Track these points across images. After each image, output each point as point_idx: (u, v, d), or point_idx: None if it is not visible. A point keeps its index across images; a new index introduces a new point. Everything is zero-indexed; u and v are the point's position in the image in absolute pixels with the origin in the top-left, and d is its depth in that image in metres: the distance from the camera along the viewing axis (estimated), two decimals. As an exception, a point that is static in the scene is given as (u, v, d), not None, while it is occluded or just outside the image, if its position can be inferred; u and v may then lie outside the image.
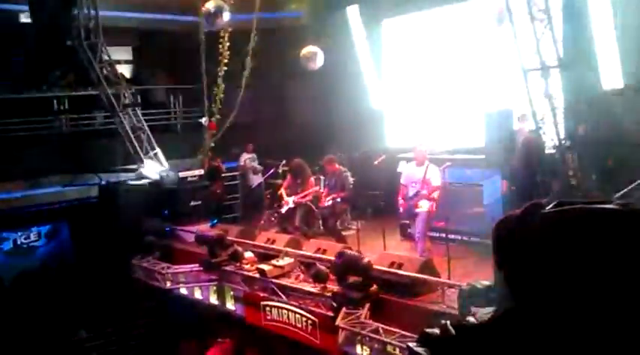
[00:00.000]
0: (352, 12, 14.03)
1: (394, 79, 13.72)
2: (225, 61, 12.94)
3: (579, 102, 7.81)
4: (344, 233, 10.91)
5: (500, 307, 1.44)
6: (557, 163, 7.99)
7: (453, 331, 1.44)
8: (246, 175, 13.57)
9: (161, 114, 14.74)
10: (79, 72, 12.61)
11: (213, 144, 13.37)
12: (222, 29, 12.64)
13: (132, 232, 11.31)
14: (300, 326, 8.01)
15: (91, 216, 12.05)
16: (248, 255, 9.32)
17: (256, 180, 13.34)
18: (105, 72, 12.30)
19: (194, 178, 12.52)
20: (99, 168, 12.62)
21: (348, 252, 7.68)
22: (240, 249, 9.36)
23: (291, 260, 8.69)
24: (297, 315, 8.05)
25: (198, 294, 9.91)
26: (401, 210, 9.31)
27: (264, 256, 9.24)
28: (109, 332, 11.61)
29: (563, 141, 7.95)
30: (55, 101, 13.34)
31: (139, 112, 12.70)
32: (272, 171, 12.96)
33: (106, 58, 12.33)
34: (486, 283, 4.37)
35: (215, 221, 11.77)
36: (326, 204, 10.58)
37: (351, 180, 11.02)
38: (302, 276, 8.39)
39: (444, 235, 8.50)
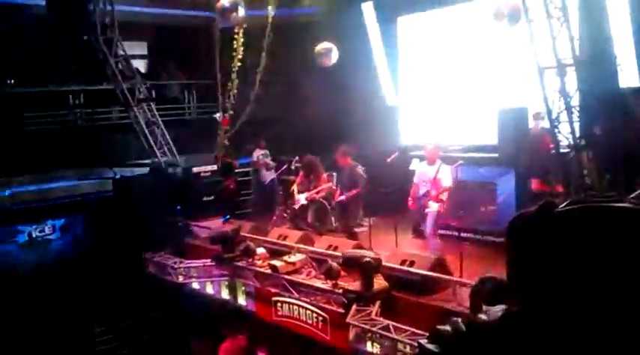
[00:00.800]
0: (367, 8, 13.99)
1: (409, 76, 13.68)
2: (240, 56, 12.94)
3: (595, 100, 7.73)
4: (356, 229, 10.90)
5: (512, 305, 1.43)
6: (570, 162, 7.93)
7: (464, 328, 1.44)
8: (258, 171, 13.60)
9: (175, 109, 14.81)
10: (95, 66, 12.69)
11: (227, 141, 13.40)
12: (237, 25, 12.65)
13: (145, 226, 11.39)
14: (310, 322, 8.03)
15: (105, 210, 12.15)
16: (260, 250, 9.36)
17: (269, 176, 13.35)
18: (120, 67, 12.37)
19: (207, 174, 12.58)
20: (113, 163, 12.71)
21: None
22: (252, 244, 9.40)
23: (303, 256, 8.71)
24: (308, 311, 8.07)
25: (210, 289, 9.97)
26: (410, 207, 9.29)
27: (276, 252, 9.27)
28: (122, 325, 11.70)
29: (578, 140, 7.89)
30: (70, 95, 13.44)
31: (153, 107, 12.77)
32: (285, 167, 12.97)
33: (121, 52, 12.39)
34: (497, 279, 4.35)
35: (227, 217, 11.81)
36: (338, 200, 10.56)
37: (364, 174, 10.84)
38: (313, 273, 8.40)
39: (456, 233, 8.47)
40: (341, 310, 7.45)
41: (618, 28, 8.81)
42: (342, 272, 7.72)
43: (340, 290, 7.55)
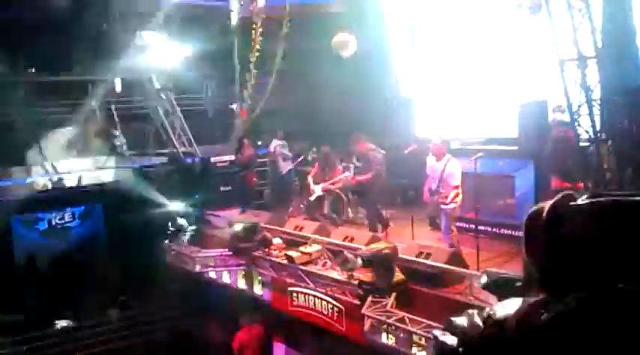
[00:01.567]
0: (386, -2, 13.88)
1: (426, 67, 13.57)
2: (258, 47, 12.94)
3: (617, 94, 7.61)
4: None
5: (529, 298, 1.43)
6: (590, 157, 7.83)
7: (479, 320, 1.44)
8: (276, 162, 13.61)
9: (194, 99, 14.86)
10: (114, 56, 12.79)
11: (244, 132, 13.43)
12: (256, 15, 12.65)
13: (163, 215, 11.50)
14: (326, 313, 8.06)
15: (124, 198, 12.28)
16: (276, 241, 9.40)
17: (286, 166, 13.36)
18: (139, 56, 12.44)
19: (225, 164, 12.63)
20: (132, 151, 12.82)
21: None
22: (269, 235, 9.44)
23: (319, 247, 8.72)
24: (324, 302, 8.09)
25: (226, 278, 10.04)
26: (425, 199, 9.24)
27: (292, 243, 9.30)
28: (139, 313, 11.84)
29: (598, 134, 7.78)
30: (90, 84, 13.55)
31: (172, 97, 12.84)
32: (302, 158, 12.97)
33: (140, 42, 12.46)
34: (510, 274, 4.31)
35: (244, 208, 11.87)
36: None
37: (379, 158, 10.54)
38: (329, 264, 8.42)
39: (473, 226, 8.41)
40: (356, 301, 7.47)
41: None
42: (358, 264, 7.72)
43: (356, 282, 7.56)
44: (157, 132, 12.60)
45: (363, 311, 7.21)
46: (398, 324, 6.82)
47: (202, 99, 15.23)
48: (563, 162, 8.45)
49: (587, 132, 7.84)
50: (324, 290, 8.10)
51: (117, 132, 13.10)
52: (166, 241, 11.23)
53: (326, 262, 8.49)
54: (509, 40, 11.23)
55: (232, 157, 12.56)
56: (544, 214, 1.49)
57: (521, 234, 1.77)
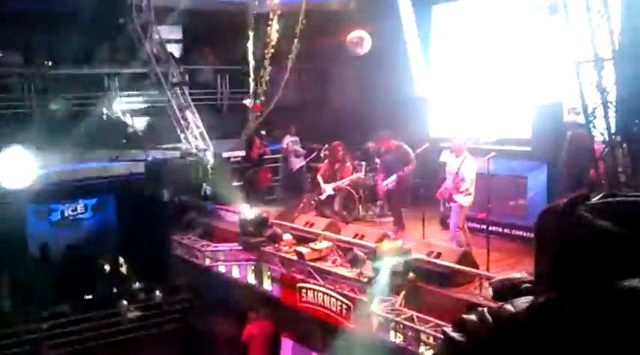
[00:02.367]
0: (402, -4, 13.83)
1: (441, 66, 13.52)
2: (273, 43, 12.96)
3: (633, 96, 7.55)
4: (384, 219, 10.89)
5: (540, 297, 1.42)
6: (605, 158, 7.77)
7: (489, 318, 1.43)
8: (288, 158, 13.64)
9: (208, 94, 14.91)
10: (130, 50, 12.86)
11: (257, 127, 13.45)
12: (271, 10, 12.66)
13: (175, 209, 11.55)
14: (334, 309, 8.07)
15: (136, 191, 12.34)
16: (287, 237, 9.43)
17: (298, 163, 13.39)
18: (155, 50, 12.50)
19: (237, 159, 12.67)
20: (146, 145, 12.87)
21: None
22: (279, 230, 9.47)
23: (329, 244, 8.74)
24: (333, 299, 8.10)
25: (236, 273, 10.08)
26: (437, 195, 9.24)
27: (303, 239, 9.32)
28: (149, 305, 11.90)
29: (613, 136, 7.73)
30: (105, 77, 13.63)
31: (186, 91, 12.89)
32: (314, 154, 12.99)
33: (156, 36, 12.52)
34: (516, 275, 4.28)
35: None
36: (388, 185, 10.20)
37: (411, 151, 10.35)
38: (339, 261, 8.43)
39: (484, 226, 8.39)
40: (365, 298, 7.47)
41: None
42: (368, 261, 7.73)
43: (365, 279, 7.57)
44: (171, 126, 12.65)
45: (372, 308, 7.22)
46: (406, 323, 6.82)
47: (217, 94, 15.27)
48: (577, 164, 8.40)
49: (602, 134, 7.79)
50: (333, 287, 8.11)
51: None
52: (177, 234, 11.28)
53: (336, 259, 8.50)
54: (525, 41, 11.17)
55: (244, 153, 12.61)
56: (557, 213, 1.48)
57: (532, 235, 1.76)
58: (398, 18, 13.73)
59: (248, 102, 13.61)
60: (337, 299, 8.04)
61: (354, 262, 7.87)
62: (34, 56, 13.25)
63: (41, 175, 11.42)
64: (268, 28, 12.87)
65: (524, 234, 8.88)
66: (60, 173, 12.40)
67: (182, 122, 12.54)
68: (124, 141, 13.03)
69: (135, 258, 12.36)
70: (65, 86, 13.00)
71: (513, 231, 9.33)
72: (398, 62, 13.78)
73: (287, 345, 10.05)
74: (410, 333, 6.80)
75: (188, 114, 12.63)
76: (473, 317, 1.63)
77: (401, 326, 6.90)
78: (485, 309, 1.61)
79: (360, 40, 12.04)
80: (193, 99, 13.02)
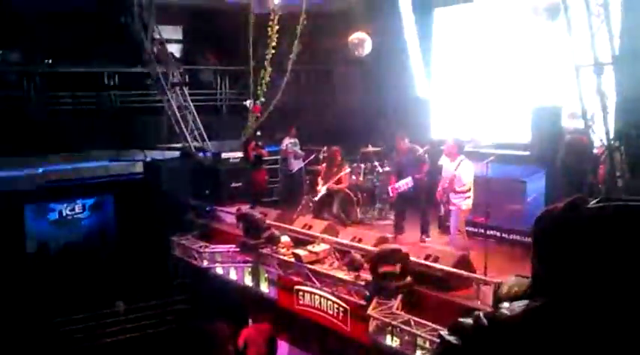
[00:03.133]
0: (404, -1, 13.83)
1: (442, 69, 13.52)
2: (273, 44, 12.94)
3: (632, 100, 7.54)
4: (381, 222, 10.88)
5: (536, 301, 1.41)
6: (603, 163, 7.77)
7: (485, 321, 1.42)
8: (287, 160, 13.60)
9: (207, 94, 14.90)
10: (130, 49, 12.85)
11: (255, 129, 13.43)
12: (272, 11, 12.65)
13: (173, 209, 11.53)
14: (331, 312, 8.05)
15: (135, 191, 12.32)
16: (284, 239, 9.39)
17: (297, 165, 13.35)
18: (155, 50, 12.50)
19: (236, 160, 12.65)
20: (144, 145, 12.86)
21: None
22: (277, 232, 9.43)
23: (327, 246, 8.70)
24: (330, 302, 8.08)
25: (233, 275, 10.06)
26: (436, 196, 9.22)
27: (300, 241, 9.29)
28: (146, 306, 11.88)
29: (612, 141, 7.72)
30: (105, 76, 13.62)
31: (186, 92, 12.88)
32: (313, 156, 12.96)
33: (157, 36, 12.51)
34: (511, 280, 4.26)
35: (253, 204, 11.87)
36: (400, 187, 9.94)
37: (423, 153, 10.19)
38: (336, 263, 8.40)
39: (482, 231, 8.37)
40: (362, 302, 7.44)
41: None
42: (365, 264, 7.70)
43: (362, 282, 7.55)
44: (170, 126, 12.64)
45: (369, 312, 7.19)
46: (403, 326, 6.80)
47: (216, 95, 15.27)
48: (575, 169, 8.39)
49: (600, 139, 7.78)
50: (330, 290, 8.08)
51: None
52: (175, 235, 11.26)
53: (333, 262, 8.47)
54: (525, 45, 11.18)
55: (242, 154, 12.60)
56: (554, 217, 1.47)
57: (530, 240, 1.76)
58: (399, 20, 13.74)
59: (248, 103, 13.59)
60: (334, 302, 8.01)
61: (352, 265, 7.84)
62: (34, 54, 13.24)
63: (40, 174, 11.42)
64: (269, 29, 12.85)
65: (523, 238, 8.86)
66: (59, 172, 12.40)
67: (181, 122, 12.53)
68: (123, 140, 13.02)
69: (133, 259, 12.32)
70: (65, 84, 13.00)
71: (511, 236, 9.31)
72: (399, 64, 13.78)
73: (283, 348, 10.02)
74: (406, 337, 6.78)
75: (187, 114, 12.63)
76: (469, 320, 1.62)
77: (397, 329, 6.88)
78: (482, 313, 1.60)
79: (361, 41, 12.03)
80: (193, 100, 13.01)
